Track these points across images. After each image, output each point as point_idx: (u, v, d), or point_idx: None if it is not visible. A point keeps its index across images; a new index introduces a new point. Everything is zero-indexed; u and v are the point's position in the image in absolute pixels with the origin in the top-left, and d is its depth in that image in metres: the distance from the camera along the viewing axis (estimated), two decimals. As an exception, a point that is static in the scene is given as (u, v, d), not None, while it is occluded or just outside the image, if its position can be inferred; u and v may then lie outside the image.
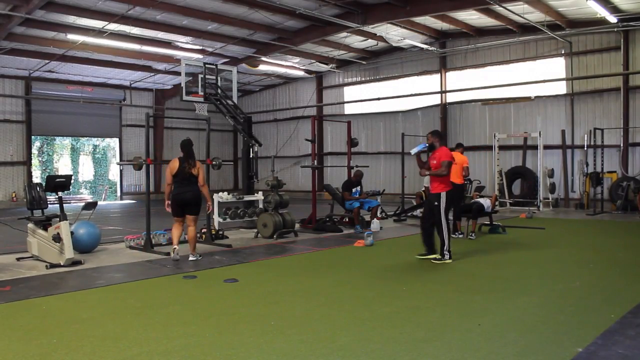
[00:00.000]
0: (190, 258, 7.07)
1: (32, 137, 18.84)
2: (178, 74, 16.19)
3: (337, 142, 20.56)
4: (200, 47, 15.77)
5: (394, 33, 15.33)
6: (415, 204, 12.80)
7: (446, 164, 6.82)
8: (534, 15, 13.41)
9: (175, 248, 7.09)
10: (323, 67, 19.52)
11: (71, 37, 13.81)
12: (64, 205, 7.23)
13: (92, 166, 23.76)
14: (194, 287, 5.66)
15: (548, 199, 14.75)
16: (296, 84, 22.07)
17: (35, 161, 20.86)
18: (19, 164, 17.96)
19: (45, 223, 6.99)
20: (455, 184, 9.32)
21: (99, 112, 19.92)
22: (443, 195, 6.84)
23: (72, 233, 6.89)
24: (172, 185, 7.11)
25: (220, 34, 15.20)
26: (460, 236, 9.19)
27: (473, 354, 3.49)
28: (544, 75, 15.35)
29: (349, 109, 20.39)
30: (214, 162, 8.86)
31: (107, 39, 13.98)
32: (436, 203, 6.88)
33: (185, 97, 11.57)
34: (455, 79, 17.49)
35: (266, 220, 9.28)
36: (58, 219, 6.78)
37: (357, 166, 11.35)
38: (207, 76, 11.34)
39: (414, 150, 7.20)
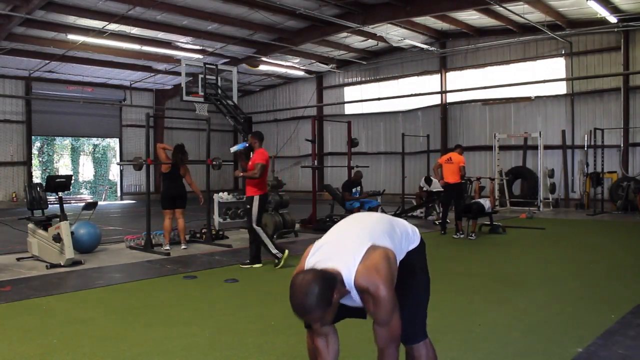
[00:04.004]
0: (182, 247, 8.05)
1: (32, 137, 18.82)
2: (178, 74, 16.19)
3: (337, 142, 20.56)
4: (201, 47, 15.77)
5: (394, 33, 15.33)
6: (415, 204, 12.82)
7: (259, 167, 6.51)
8: (534, 16, 13.41)
9: (167, 243, 7.90)
10: (323, 67, 19.51)
11: (71, 37, 13.81)
12: (64, 205, 7.23)
13: (92, 166, 23.76)
14: (194, 287, 5.66)
15: (548, 199, 14.75)
16: (296, 84, 22.07)
17: (35, 161, 20.86)
18: (19, 164, 17.95)
19: (45, 223, 6.99)
20: (450, 183, 9.42)
21: (99, 112, 19.91)
22: (256, 198, 6.59)
23: (72, 233, 6.90)
24: (163, 182, 8.09)
25: (220, 34, 15.20)
26: (461, 236, 9.19)
27: (473, 354, 3.49)
28: (544, 75, 15.35)
29: (349, 109, 20.39)
30: (214, 163, 8.86)
31: (107, 39, 13.98)
32: (248, 206, 6.67)
33: (185, 97, 11.56)
34: (456, 79, 17.49)
35: (266, 220, 9.27)
36: (58, 219, 6.78)
37: (357, 166, 11.35)
38: (207, 76, 11.32)
39: (233, 149, 7.08)
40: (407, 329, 2.30)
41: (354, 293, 2.11)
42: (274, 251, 6.59)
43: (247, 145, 7.01)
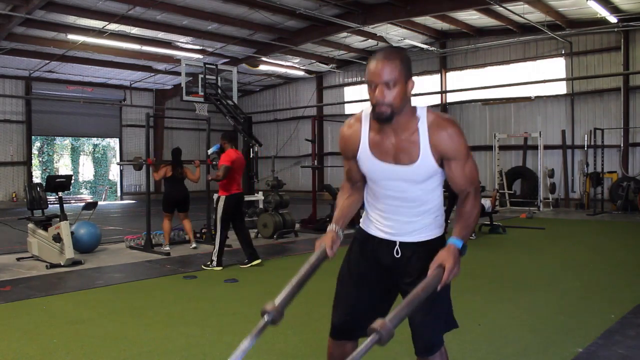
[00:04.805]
0: (192, 246, 8.09)
1: (32, 137, 18.82)
2: (178, 74, 16.19)
3: (337, 142, 20.41)
4: (201, 47, 15.77)
5: (394, 33, 15.32)
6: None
7: (222, 169, 6.51)
8: (534, 16, 13.41)
9: (167, 243, 7.96)
10: (323, 67, 19.50)
11: (71, 37, 13.81)
12: (64, 205, 7.23)
13: (92, 166, 23.77)
14: (194, 287, 5.66)
15: (548, 199, 14.75)
16: (296, 84, 22.07)
17: (35, 161, 20.87)
18: (19, 164, 17.95)
19: (45, 223, 6.99)
20: None
21: (99, 112, 19.91)
22: (222, 199, 6.55)
23: (72, 233, 6.90)
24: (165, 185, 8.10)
25: (220, 34, 15.20)
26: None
27: (473, 354, 3.49)
28: (544, 75, 15.35)
29: (349, 109, 20.38)
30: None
31: (107, 39, 13.98)
32: (214, 206, 6.66)
33: (185, 97, 11.58)
34: (456, 79, 17.49)
35: (266, 220, 9.28)
36: (58, 219, 6.78)
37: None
38: (207, 76, 11.35)
39: (209, 151, 7.17)
40: (427, 337, 2.10)
41: (422, 125, 1.96)
42: (214, 257, 6.53)
43: (221, 149, 7.06)
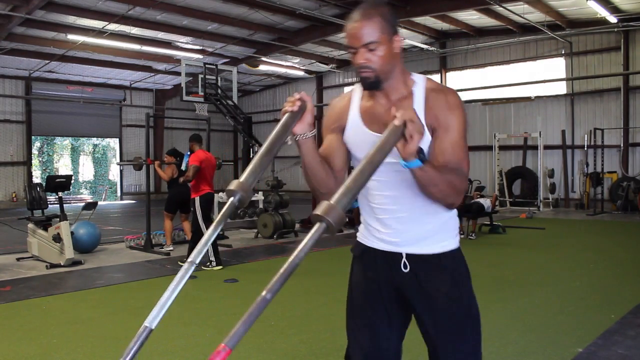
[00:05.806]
0: None
1: (32, 137, 18.82)
2: (178, 74, 16.19)
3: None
4: (200, 47, 15.77)
5: (394, 33, 15.32)
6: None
7: (191, 169, 6.53)
8: (534, 16, 13.41)
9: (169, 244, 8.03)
10: (323, 67, 19.50)
11: (71, 37, 13.81)
12: (64, 205, 7.24)
13: (92, 166, 23.78)
14: (194, 287, 5.66)
15: (548, 199, 14.75)
16: (296, 84, 22.07)
17: (35, 161, 20.87)
18: (19, 164, 17.95)
19: (45, 223, 6.99)
20: None
21: (99, 112, 19.91)
22: (196, 200, 6.59)
23: (72, 233, 6.90)
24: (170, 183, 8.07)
25: (220, 34, 15.20)
26: (461, 236, 9.18)
27: (473, 354, 3.49)
28: (544, 75, 15.35)
29: (349, 109, 20.39)
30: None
31: (107, 39, 13.98)
32: (192, 209, 6.70)
33: (185, 97, 11.60)
34: (456, 79, 17.49)
35: (266, 220, 9.29)
36: (58, 219, 6.78)
37: (357, 166, 11.35)
38: (207, 76, 11.37)
39: (184, 166, 7.31)
40: None
41: (419, 89, 1.69)
42: (212, 257, 6.55)
43: (190, 152, 7.12)
